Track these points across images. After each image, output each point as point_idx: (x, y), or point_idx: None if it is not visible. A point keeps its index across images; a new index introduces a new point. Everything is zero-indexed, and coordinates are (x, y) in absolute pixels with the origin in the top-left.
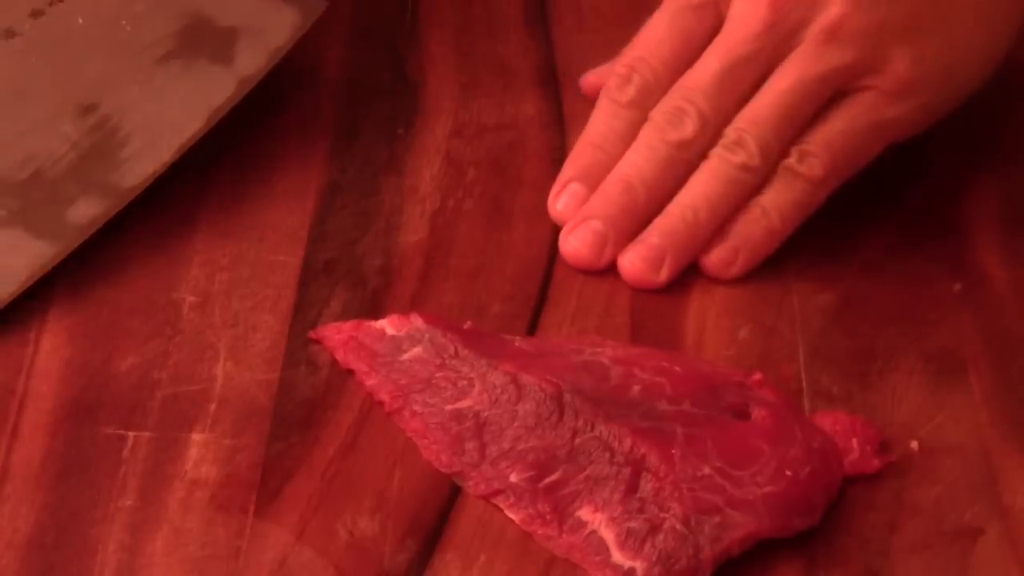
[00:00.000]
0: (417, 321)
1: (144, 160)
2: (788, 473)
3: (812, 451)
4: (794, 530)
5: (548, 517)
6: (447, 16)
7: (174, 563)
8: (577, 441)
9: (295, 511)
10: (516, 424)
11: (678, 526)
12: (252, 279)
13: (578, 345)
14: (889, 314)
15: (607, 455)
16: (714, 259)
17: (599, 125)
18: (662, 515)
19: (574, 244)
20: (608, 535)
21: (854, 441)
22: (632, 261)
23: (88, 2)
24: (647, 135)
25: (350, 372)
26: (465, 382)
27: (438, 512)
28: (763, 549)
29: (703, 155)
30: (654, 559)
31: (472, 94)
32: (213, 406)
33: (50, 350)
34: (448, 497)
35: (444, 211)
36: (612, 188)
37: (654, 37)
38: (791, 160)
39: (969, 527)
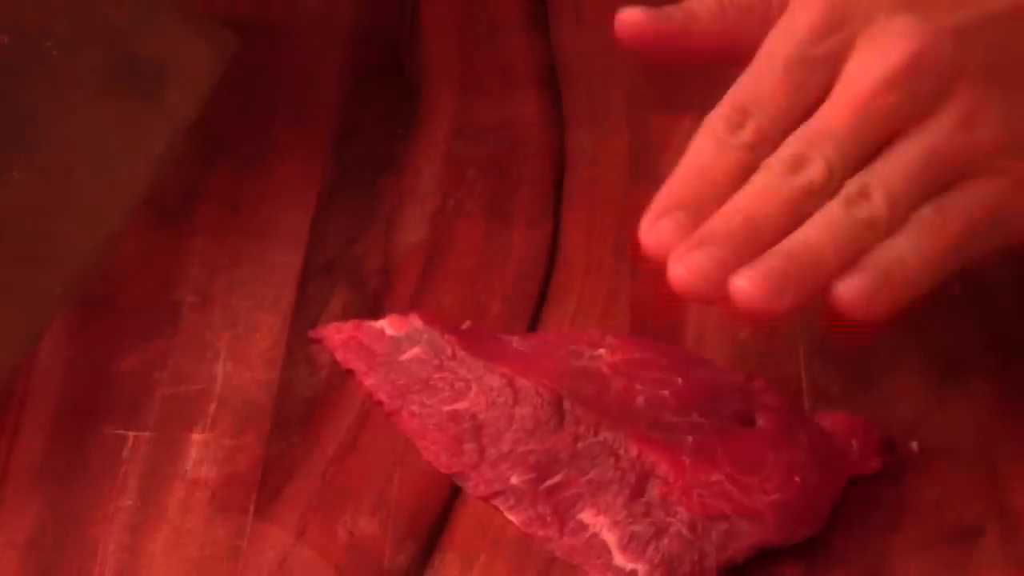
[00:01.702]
0: (416, 321)
1: (101, 222)
2: (796, 479)
3: (818, 456)
4: (800, 537)
5: (548, 519)
6: (447, 16)
7: (174, 563)
8: (579, 446)
9: (295, 511)
10: (514, 427)
11: (684, 531)
12: (252, 279)
13: (576, 347)
14: None
15: (611, 460)
16: (853, 289)
17: (703, 157)
18: (668, 520)
19: (687, 270)
20: (610, 538)
21: (854, 442)
22: (753, 281)
23: (10, 19)
24: (766, 178)
25: (350, 372)
26: (462, 383)
27: (438, 512)
28: (764, 549)
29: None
30: (657, 562)
31: (472, 94)
32: (213, 406)
33: (50, 350)
34: (448, 497)
35: (444, 211)
36: (733, 218)
37: (767, 84)
38: (928, 211)
39: (969, 527)
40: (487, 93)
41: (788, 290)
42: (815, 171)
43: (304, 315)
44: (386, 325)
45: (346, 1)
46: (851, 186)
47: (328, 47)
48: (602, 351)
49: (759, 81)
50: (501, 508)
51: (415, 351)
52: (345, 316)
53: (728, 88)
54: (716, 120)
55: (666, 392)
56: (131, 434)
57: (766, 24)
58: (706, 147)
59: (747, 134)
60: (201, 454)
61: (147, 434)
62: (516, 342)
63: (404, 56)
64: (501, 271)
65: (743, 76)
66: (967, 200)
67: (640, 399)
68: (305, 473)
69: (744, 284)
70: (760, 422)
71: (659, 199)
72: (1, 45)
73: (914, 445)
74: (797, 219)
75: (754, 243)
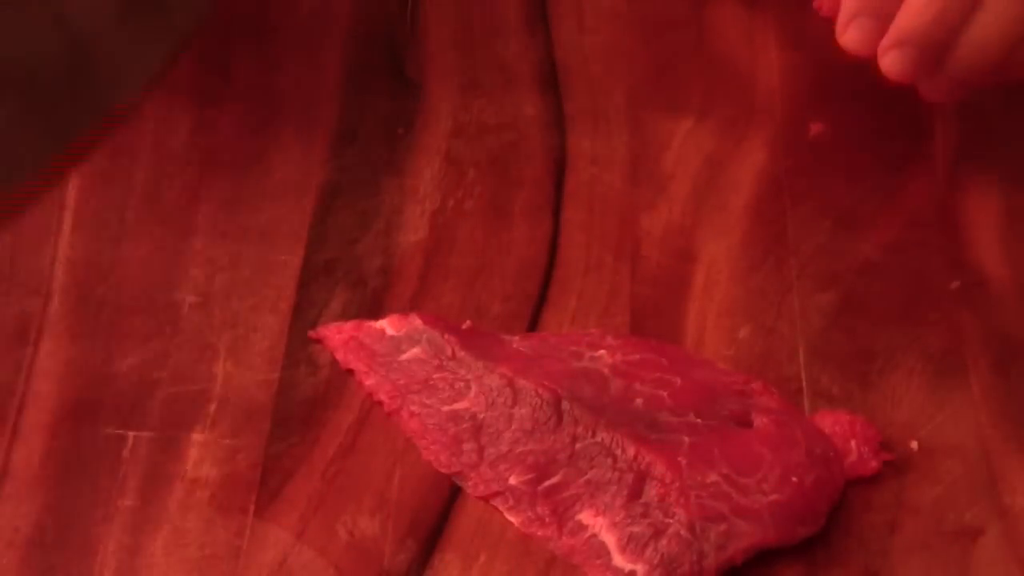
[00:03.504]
0: (416, 321)
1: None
2: (794, 479)
3: (815, 457)
4: (799, 538)
5: (547, 520)
6: (447, 16)
7: (174, 563)
8: (578, 446)
9: (295, 511)
10: (513, 427)
11: (683, 532)
12: (252, 279)
13: (576, 347)
14: (889, 314)
15: (609, 461)
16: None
17: None
18: (667, 520)
19: (888, 67)
20: (609, 539)
21: (852, 443)
22: (933, 94)
23: None
24: None
25: (350, 372)
26: (462, 384)
27: (438, 512)
28: (763, 549)
29: None
30: (656, 562)
31: (472, 94)
32: (213, 406)
33: (50, 350)
34: (448, 497)
35: (444, 211)
36: (924, 14)
37: None
38: None
39: (969, 527)
40: (487, 93)
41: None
42: None
43: (304, 315)
44: (386, 325)
45: (346, 1)
46: None
47: (328, 47)
48: (602, 352)
49: None
50: (500, 508)
51: (415, 351)
52: (345, 316)
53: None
54: None
55: (664, 393)
56: (131, 434)
57: None
58: None
59: None
60: (201, 454)
61: (147, 434)
62: (516, 342)
63: (404, 56)
64: (501, 271)
65: None
66: None
67: (638, 400)
68: (305, 473)
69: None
70: (757, 423)
71: (844, 4)
72: None
73: (914, 445)
74: None
75: (949, 33)
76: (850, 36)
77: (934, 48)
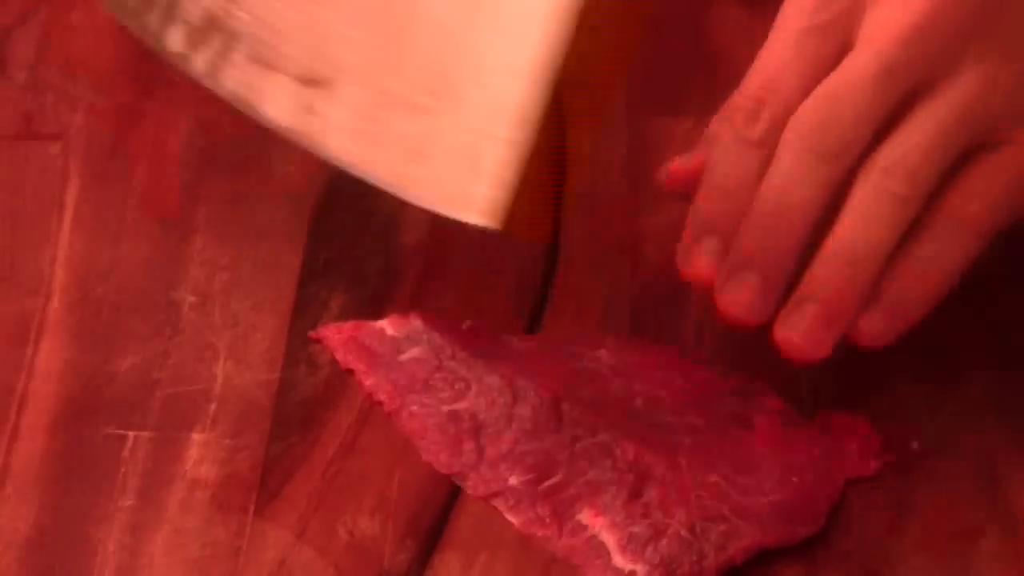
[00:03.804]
0: (416, 321)
1: None
2: (794, 479)
3: (815, 457)
4: (799, 538)
5: (547, 520)
6: None
7: (174, 563)
8: (578, 446)
9: (295, 511)
10: (514, 427)
11: (683, 532)
12: (252, 279)
13: (576, 347)
14: None
15: (609, 461)
16: (867, 327)
17: (724, 164)
18: (667, 521)
19: (731, 305)
20: (609, 539)
21: (853, 443)
22: (790, 337)
23: None
24: (792, 167)
25: (350, 372)
26: (462, 384)
27: (438, 512)
28: (763, 549)
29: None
30: (656, 563)
31: None
32: (213, 406)
33: (50, 350)
34: (448, 497)
35: None
36: (766, 233)
37: (778, 62)
38: (953, 200)
39: (969, 527)
40: None
41: (829, 338)
42: (839, 142)
43: (304, 315)
44: (386, 325)
45: None
46: (877, 161)
47: None
48: (602, 352)
49: (771, 62)
50: (500, 508)
51: (415, 351)
52: (345, 316)
53: (726, 91)
54: (733, 113)
55: (664, 393)
56: (131, 434)
57: None
58: (725, 150)
59: (763, 125)
60: (201, 454)
61: (147, 434)
62: (516, 342)
63: None
64: (501, 271)
65: (756, 60)
66: (988, 177)
67: (638, 400)
68: (305, 473)
69: (783, 338)
70: (757, 423)
71: (690, 222)
72: None
73: (914, 445)
74: (830, 198)
75: (792, 251)
76: (695, 264)
77: (779, 273)
